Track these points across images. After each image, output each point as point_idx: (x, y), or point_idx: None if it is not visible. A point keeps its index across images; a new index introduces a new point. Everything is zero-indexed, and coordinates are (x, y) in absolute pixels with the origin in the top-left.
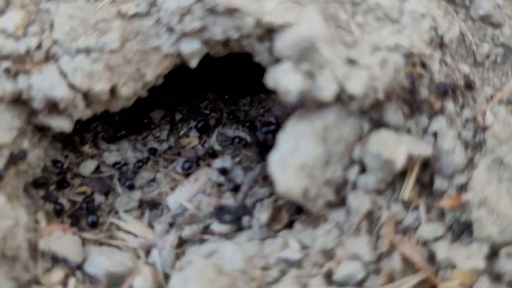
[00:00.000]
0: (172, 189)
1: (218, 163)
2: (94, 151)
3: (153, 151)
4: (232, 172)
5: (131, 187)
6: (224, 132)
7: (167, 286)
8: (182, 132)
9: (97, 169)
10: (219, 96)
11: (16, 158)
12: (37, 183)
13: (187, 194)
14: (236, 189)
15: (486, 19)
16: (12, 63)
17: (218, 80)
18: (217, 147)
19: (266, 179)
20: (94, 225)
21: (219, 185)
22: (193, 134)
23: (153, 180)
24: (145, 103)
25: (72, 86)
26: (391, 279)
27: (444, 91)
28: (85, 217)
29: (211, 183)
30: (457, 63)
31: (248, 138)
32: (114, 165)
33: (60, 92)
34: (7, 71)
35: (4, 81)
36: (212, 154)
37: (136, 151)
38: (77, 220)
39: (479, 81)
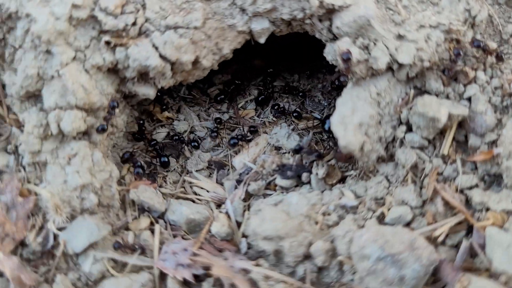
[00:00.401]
0: (236, 152)
1: (275, 130)
2: (167, 121)
3: (218, 121)
4: (289, 137)
5: (196, 147)
6: (278, 104)
7: (239, 231)
8: (240, 105)
9: (168, 136)
10: (271, 73)
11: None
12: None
13: (250, 156)
14: (294, 151)
15: (510, 3)
16: (111, 37)
17: (269, 59)
18: (271, 118)
19: (318, 143)
20: (165, 164)
21: (277, 148)
22: (250, 106)
23: (218, 145)
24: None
25: (163, 57)
26: (434, 220)
27: (477, 45)
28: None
29: (270, 147)
30: (486, 40)
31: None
32: (183, 132)
33: (153, 61)
34: (107, 43)
35: (104, 52)
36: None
37: (202, 121)
38: (154, 179)
39: (505, 56)
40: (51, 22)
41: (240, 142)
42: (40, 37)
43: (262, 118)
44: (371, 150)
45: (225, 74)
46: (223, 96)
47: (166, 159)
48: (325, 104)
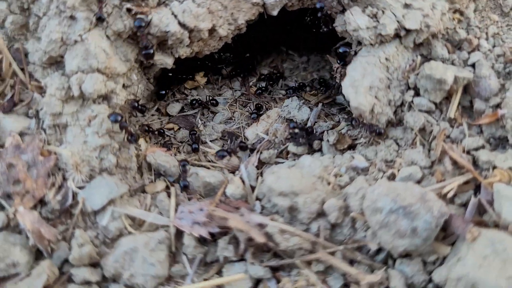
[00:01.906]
0: (248, 125)
1: (287, 102)
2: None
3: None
4: (300, 109)
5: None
6: (286, 84)
7: (253, 194)
8: (251, 83)
9: (182, 110)
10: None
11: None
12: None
13: (262, 127)
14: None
15: None
16: (132, 5)
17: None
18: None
19: (327, 116)
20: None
21: (288, 120)
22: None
23: (231, 118)
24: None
25: (181, 24)
26: (443, 178)
27: None
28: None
29: (281, 119)
30: (487, 13)
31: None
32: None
33: (173, 28)
34: (128, 10)
35: (125, 19)
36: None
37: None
38: (168, 148)
39: (506, 27)
40: None
41: (228, 156)
42: (65, 3)
43: (273, 95)
44: (381, 112)
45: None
46: (234, 73)
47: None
48: (333, 83)
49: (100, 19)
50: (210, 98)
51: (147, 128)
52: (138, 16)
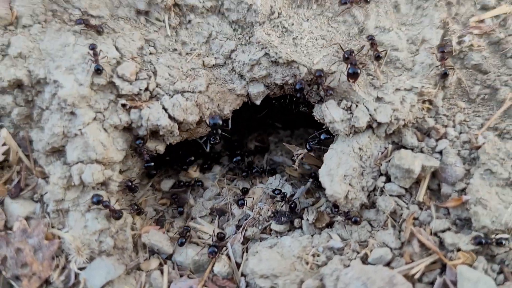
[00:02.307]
0: (236, 201)
1: (270, 180)
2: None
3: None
4: (283, 187)
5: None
6: (272, 158)
7: (239, 271)
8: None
9: (174, 186)
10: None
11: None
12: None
13: (248, 204)
14: (287, 200)
15: (476, 67)
16: (126, 100)
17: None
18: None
19: (308, 193)
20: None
21: (272, 197)
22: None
23: (219, 194)
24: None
25: (171, 118)
26: (411, 259)
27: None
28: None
29: (265, 196)
30: (455, 100)
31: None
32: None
33: (163, 121)
34: (123, 105)
35: (120, 113)
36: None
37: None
38: (162, 225)
39: (472, 114)
40: (75, 88)
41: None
42: (66, 100)
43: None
44: (355, 198)
45: None
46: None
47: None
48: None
49: (98, 71)
50: (196, 180)
51: (136, 207)
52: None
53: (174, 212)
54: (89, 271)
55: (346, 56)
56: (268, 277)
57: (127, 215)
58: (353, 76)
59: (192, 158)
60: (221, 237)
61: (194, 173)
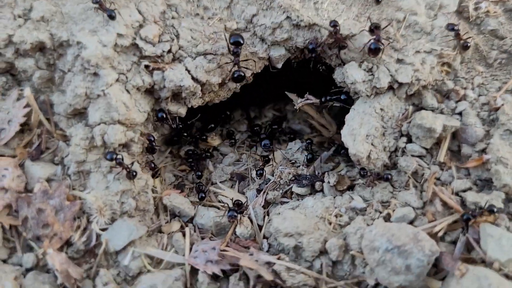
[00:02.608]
0: (255, 166)
1: (290, 145)
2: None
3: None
4: (303, 152)
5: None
6: (290, 126)
7: (260, 233)
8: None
9: (193, 151)
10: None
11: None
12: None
13: (268, 169)
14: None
15: (493, 33)
16: (149, 62)
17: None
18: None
19: (328, 159)
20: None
21: (292, 162)
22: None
23: (238, 160)
24: (226, 104)
25: (194, 79)
26: (434, 218)
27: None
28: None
29: (286, 161)
30: (473, 64)
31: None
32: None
33: (186, 82)
34: (146, 67)
35: (143, 74)
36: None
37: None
38: (182, 190)
39: (490, 77)
40: (99, 49)
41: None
42: (89, 61)
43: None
44: (377, 158)
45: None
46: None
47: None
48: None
49: (111, 17)
50: (206, 149)
51: (153, 166)
52: None
53: (194, 177)
54: (110, 232)
55: (371, 28)
56: (293, 235)
57: (148, 177)
58: (374, 52)
59: (212, 125)
60: (238, 204)
61: (213, 141)
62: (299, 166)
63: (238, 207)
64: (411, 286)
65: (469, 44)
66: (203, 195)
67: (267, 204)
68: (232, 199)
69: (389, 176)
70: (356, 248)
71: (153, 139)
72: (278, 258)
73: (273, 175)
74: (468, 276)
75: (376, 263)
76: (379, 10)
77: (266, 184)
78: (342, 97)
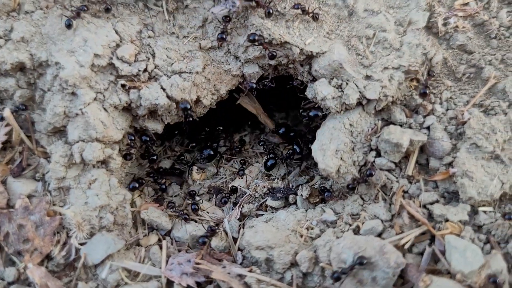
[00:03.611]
0: (232, 179)
1: (265, 159)
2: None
3: (234, 188)
4: (277, 166)
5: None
6: (267, 139)
7: (235, 245)
8: (236, 139)
9: (172, 167)
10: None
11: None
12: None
13: (244, 182)
14: (282, 178)
15: (461, 48)
16: (126, 81)
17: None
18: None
19: (303, 171)
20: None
21: (267, 175)
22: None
23: (216, 173)
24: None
25: (169, 97)
26: (401, 230)
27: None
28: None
29: (261, 174)
30: (442, 79)
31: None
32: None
33: (162, 101)
34: (122, 86)
35: (120, 93)
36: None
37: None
38: (161, 203)
39: (458, 91)
40: (76, 69)
41: (207, 240)
42: (67, 81)
43: (254, 150)
44: (346, 172)
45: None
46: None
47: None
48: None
49: (107, 10)
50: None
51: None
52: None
53: (174, 190)
54: (89, 246)
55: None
56: (264, 248)
57: (126, 192)
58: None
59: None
60: (213, 230)
61: (196, 174)
62: (274, 179)
63: (233, 192)
64: None
65: (427, 92)
66: (196, 207)
67: (242, 217)
68: (229, 187)
69: (372, 172)
70: (325, 260)
71: (189, 106)
72: (250, 271)
73: (248, 188)
74: (432, 287)
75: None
76: (350, 27)
77: (242, 197)
78: (312, 113)
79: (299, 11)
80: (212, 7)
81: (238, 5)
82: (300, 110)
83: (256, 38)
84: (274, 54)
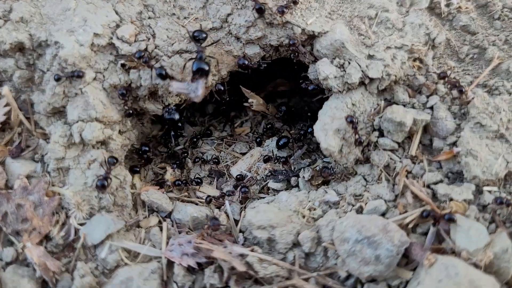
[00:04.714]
0: (233, 163)
1: (267, 142)
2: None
3: (239, 177)
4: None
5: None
6: (270, 122)
7: (236, 227)
8: (236, 124)
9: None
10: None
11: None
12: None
13: (245, 165)
14: (284, 160)
15: (464, 28)
16: (126, 61)
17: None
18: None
19: (304, 154)
20: None
21: (268, 158)
22: (246, 125)
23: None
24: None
25: (170, 78)
26: (405, 210)
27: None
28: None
29: (263, 157)
30: (445, 59)
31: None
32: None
33: (162, 81)
34: (122, 66)
35: (120, 73)
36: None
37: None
38: (161, 187)
39: (461, 72)
40: (76, 48)
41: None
42: (67, 60)
43: (255, 134)
44: (349, 152)
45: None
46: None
47: None
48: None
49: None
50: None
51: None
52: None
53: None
54: (88, 226)
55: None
56: (265, 227)
57: (126, 173)
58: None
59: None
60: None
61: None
62: (276, 162)
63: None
64: (381, 276)
65: (362, 140)
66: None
67: (244, 200)
68: (236, 177)
69: (361, 140)
70: (328, 240)
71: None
72: (251, 250)
73: (250, 171)
74: (437, 265)
75: (347, 254)
76: (352, 7)
77: (244, 179)
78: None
79: None
80: (175, 82)
81: (199, 94)
82: (300, 81)
83: None
84: (262, 8)
